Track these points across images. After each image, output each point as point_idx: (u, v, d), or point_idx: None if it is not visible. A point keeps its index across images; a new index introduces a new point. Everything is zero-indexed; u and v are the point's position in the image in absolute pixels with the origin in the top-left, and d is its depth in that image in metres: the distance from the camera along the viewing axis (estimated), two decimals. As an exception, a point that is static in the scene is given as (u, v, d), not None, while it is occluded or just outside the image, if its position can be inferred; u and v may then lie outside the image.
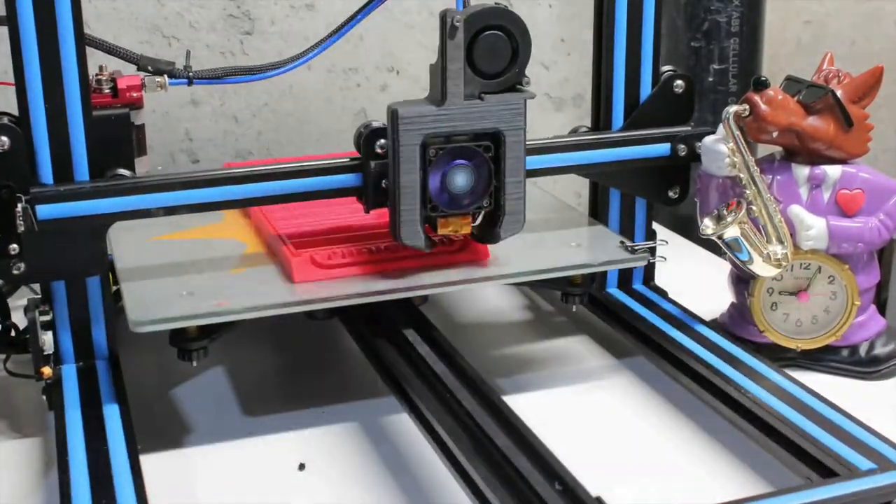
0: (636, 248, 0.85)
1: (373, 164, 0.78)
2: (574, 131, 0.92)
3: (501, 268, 0.82)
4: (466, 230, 0.80)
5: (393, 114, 0.75)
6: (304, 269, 0.79)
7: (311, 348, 0.94)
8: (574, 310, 0.91)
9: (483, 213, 0.80)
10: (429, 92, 0.78)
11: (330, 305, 0.78)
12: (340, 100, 1.26)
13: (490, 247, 0.83)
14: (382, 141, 0.78)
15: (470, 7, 0.75)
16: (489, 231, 0.81)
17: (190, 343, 0.77)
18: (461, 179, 0.78)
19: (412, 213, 0.77)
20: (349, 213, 0.87)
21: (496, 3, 0.76)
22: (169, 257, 0.83)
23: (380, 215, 0.80)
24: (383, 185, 0.78)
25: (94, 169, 0.77)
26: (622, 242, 0.86)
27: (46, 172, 0.76)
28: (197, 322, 0.75)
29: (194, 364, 0.77)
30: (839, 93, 0.84)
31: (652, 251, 0.88)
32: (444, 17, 0.74)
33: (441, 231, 0.79)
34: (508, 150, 0.78)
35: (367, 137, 0.78)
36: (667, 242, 0.90)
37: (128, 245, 0.86)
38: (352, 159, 0.80)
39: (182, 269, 0.82)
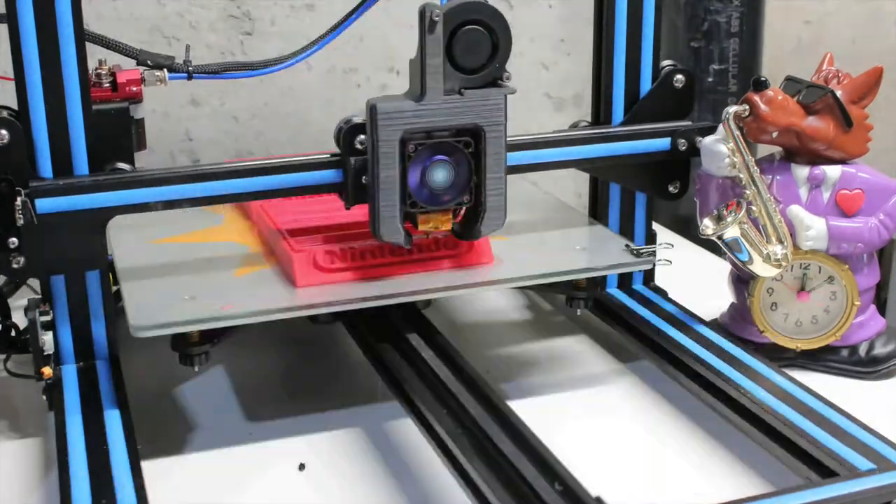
0: (641, 251, 0.84)
1: (353, 160, 0.78)
2: (574, 126, 0.92)
3: (506, 271, 0.82)
4: (447, 227, 0.80)
5: (371, 109, 0.75)
6: (306, 273, 0.78)
7: (314, 351, 0.94)
8: (578, 313, 0.91)
9: (464, 209, 0.80)
10: (409, 87, 0.77)
11: (333, 310, 0.78)
12: (340, 100, 1.26)
13: (493, 249, 0.83)
14: (362, 136, 0.77)
15: (450, 2, 0.75)
16: (470, 228, 0.80)
17: (192, 348, 0.76)
18: (441, 175, 0.77)
19: (392, 210, 0.77)
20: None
21: None
22: (170, 260, 0.83)
23: None
24: (363, 182, 0.78)
25: (93, 163, 0.77)
26: (627, 245, 0.86)
27: (46, 166, 0.76)
28: (200, 327, 0.74)
29: (196, 369, 0.77)
30: (839, 93, 0.83)
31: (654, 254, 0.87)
32: (423, 11, 0.73)
33: (422, 227, 0.79)
34: (489, 145, 0.77)
35: (346, 133, 0.77)
36: (672, 245, 0.89)
37: (128, 247, 0.85)
38: (332, 155, 0.79)
39: (183, 271, 0.81)
